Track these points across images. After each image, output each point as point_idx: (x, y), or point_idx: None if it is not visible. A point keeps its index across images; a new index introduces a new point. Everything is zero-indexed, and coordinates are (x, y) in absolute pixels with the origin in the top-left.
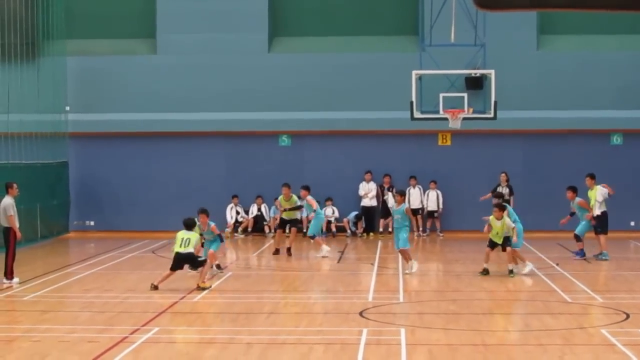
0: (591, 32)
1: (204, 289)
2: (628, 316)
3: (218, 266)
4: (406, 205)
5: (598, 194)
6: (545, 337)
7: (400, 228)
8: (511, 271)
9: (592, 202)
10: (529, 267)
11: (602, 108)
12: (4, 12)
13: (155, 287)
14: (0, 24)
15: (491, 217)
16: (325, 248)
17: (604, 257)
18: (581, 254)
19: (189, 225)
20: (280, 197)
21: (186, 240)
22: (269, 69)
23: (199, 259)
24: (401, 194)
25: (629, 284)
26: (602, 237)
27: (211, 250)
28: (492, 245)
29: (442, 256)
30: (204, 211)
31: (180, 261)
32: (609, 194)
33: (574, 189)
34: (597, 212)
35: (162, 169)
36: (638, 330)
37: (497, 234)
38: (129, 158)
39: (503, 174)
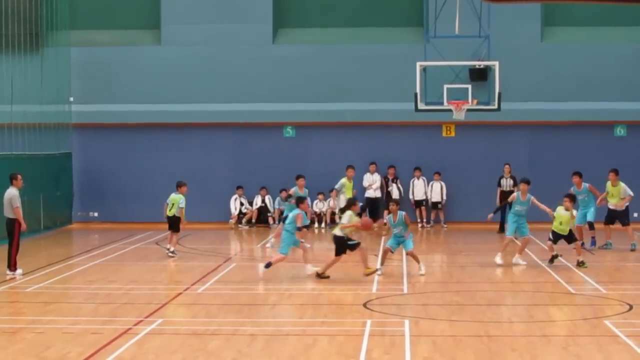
0: (596, 24)
1: None
2: (631, 307)
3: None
4: (403, 213)
5: (624, 190)
6: (549, 328)
7: (401, 236)
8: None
9: (616, 199)
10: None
11: (606, 100)
12: (7, 3)
13: None
14: (4, 15)
15: (558, 208)
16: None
17: (609, 247)
18: (594, 242)
19: None
20: (295, 189)
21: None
22: (273, 60)
23: None
24: (396, 203)
25: (633, 275)
26: (629, 228)
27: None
28: (556, 237)
29: (446, 247)
30: None
31: None
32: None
33: (580, 175)
34: (623, 206)
35: (165, 160)
36: None
37: (561, 223)
38: (132, 149)
39: (507, 166)
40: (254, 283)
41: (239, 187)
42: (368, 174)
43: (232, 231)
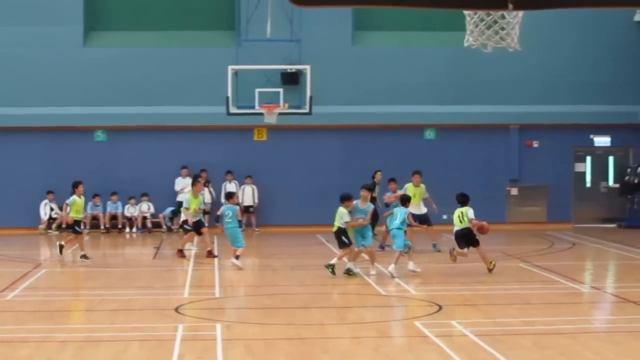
0: (406, 29)
1: None
2: (441, 308)
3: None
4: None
5: (425, 191)
6: (360, 329)
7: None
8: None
9: (417, 200)
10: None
11: (416, 103)
12: None
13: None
14: None
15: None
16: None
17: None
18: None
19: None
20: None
21: None
22: (84, 63)
23: None
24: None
25: (441, 276)
26: (431, 229)
27: None
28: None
29: (259, 251)
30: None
31: None
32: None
33: (394, 180)
34: (423, 210)
35: None
36: (450, 322)
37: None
38: None
39: (378, 173)
40: (65, 289)
41: (49, 192)
42: (180, 178)
43: (42, 237)
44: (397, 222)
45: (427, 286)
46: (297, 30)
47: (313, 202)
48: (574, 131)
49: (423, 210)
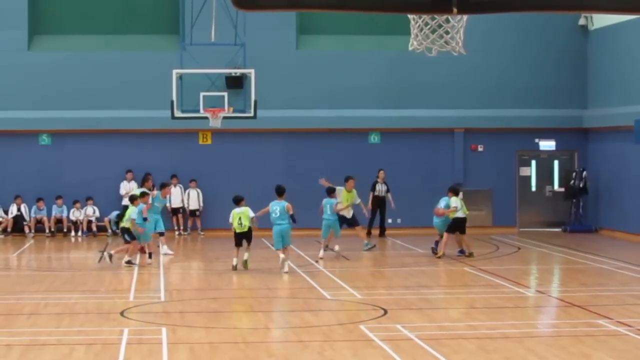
0: (349, 33)
1: None
2: (386, 312)
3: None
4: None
5: (357, 197)
6: (305, 333)
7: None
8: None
9: (346, 204)
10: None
11: (361, 107)
12: None
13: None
14: None
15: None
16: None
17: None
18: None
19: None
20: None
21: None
22: (29, 67)
23: None
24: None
25: (387, 280)
26: (358, 229)
27: None
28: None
29: (204, 255)
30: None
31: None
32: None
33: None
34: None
35: None
36: (395, 326)
37: None
38: None
39: (381, 172)
40: (10, 293)
41: None
42: (125, 182)
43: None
44: (328, 213)
45: (373, 290)
46: (242, 34)
47: (258, 206)
48: (518, 135)
49: (351, 214)
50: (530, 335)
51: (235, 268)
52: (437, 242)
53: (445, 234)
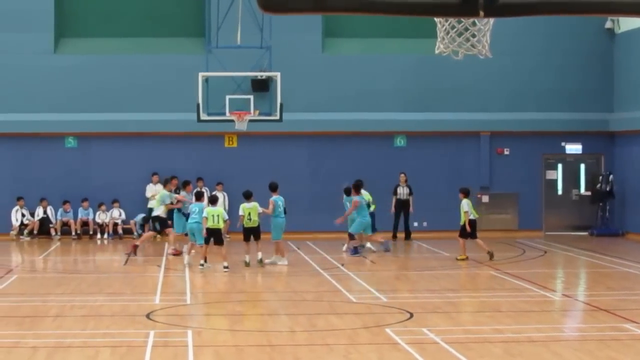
0: (375, 36)
1: None
2: (411, 315)
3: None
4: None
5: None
6: (331, 336)
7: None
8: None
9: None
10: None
11: (386, 110)
12: None
13: None
14: None
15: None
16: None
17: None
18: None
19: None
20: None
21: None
22: (55, 70)
23: None
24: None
25: (412, 283)
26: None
27: None
28: None
29: (229, 257)
30: None
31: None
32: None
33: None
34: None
35: None
36: (421, 329)
37: None
38: None
39: (402, 175)
40: (36, 295)
41: (19, 198)
42: (151, 185)
43: (14, 243)
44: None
45: (398, 293)
46: (267, 37)
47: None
48: (544, 138)
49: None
50: (556, 339)
51: (247, 264)
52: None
53: (461, 240)
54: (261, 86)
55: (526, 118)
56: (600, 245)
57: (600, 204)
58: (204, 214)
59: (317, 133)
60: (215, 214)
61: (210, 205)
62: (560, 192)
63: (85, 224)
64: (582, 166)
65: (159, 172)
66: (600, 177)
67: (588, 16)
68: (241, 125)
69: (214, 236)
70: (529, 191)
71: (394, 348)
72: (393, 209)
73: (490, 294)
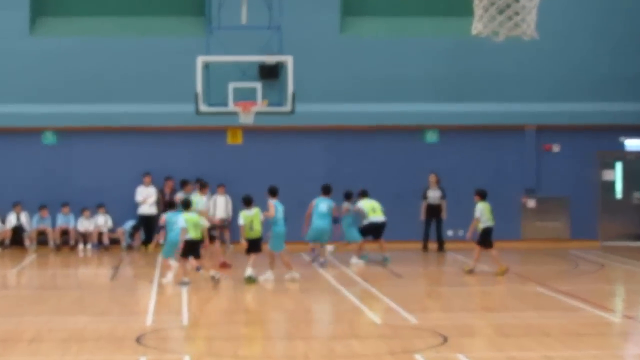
0: (402, 14)
1: None
2: (446, 339)
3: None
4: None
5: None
6: None
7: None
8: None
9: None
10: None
11: (416, 101)
12: None
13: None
14: None
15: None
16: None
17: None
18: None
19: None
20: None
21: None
22: (30, 54)
23: None
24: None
25: (446, 301)
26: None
27: None
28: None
29: (232, 271)
30: None
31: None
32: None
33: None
34: None
35: None
36: (457, 355)
37: None
38: None
39: (433, 175)
40: (9, 315)
41: None
42: (142, 187)
43: None
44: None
45: (430, 313)
46: (277, 16)
47: (295, 215)
48: (600, 133)
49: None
50: None
51: (251, 279)
52: None
53: (477, 248)
54: (270, 73)
55: (578, 109)
56: None
57: None
58: (183, 224)
59: (334, 127)
60: (250, 220)
61: (184, 210)
62: (619, 195)
63: (65, 232)
64: None
65: (152, 173)
66: None
67: None
68: (247, 118)
69: (256, 244)
70: (583, 195)
71: None
72: (423, 215)
73: (536, 315)
